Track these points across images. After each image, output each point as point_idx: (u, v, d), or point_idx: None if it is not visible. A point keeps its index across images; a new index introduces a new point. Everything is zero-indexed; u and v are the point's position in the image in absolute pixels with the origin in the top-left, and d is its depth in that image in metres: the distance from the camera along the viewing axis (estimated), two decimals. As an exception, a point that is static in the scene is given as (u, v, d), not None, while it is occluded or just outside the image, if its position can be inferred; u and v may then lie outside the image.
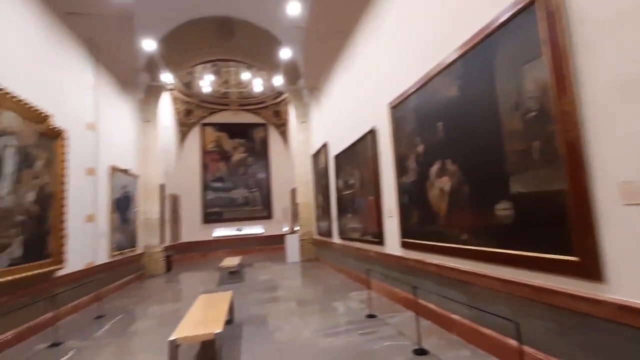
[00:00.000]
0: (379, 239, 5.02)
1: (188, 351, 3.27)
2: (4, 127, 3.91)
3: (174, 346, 2.48)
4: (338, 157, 7.18)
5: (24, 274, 4.06)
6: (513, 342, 2.52)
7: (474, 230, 2.98)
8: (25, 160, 4.25)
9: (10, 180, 3.96)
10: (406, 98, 4.10)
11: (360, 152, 5.77)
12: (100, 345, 3.70)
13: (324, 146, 8.28)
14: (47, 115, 4.72)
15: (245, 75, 13.54)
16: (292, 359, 3.04)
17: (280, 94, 14.38)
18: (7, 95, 3.94)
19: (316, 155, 9.33)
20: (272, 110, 15.10)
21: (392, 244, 4.65)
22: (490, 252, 2.77)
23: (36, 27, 4.71)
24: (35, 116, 4.47)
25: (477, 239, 2.94)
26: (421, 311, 3.61)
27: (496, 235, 2.71)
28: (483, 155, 2.83)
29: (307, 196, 10.31)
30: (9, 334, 3.81)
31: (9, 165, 3.96)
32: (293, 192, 12.62)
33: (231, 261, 7.91)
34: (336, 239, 7.55)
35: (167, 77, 8.28)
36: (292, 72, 10.07)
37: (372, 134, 5.20)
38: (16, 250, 4.00)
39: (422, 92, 3.75)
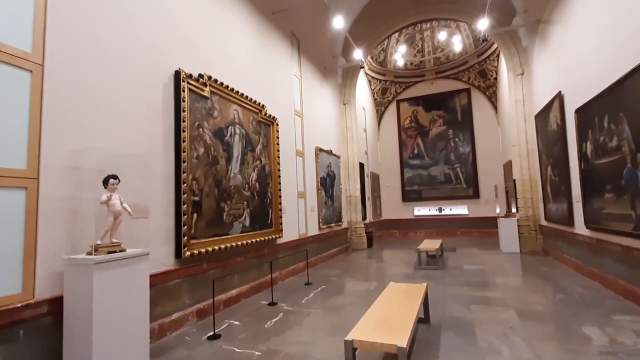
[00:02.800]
0: (683, 236, 2.92)
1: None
2: (231, 118, 4.73)
3: (351, 349, 2.07)
4: (583, 110, 4.90)
5: (252, 240, 4.89)
6: None
7: None
8: (248, 145, 5.06)
9: (238, 162, 4.79)
10: None
11: (636, 93, 3.56)
12: (302, 314, 3.92)
13: (557, 98, 5.94)
14: (263, 105, 5.46)
15: (442, 36, 11.93)
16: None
17: (486, 48, 11.88)
18: (232, 91, 4.72)
19: (542, 115, 6.94)
20: (476, 71, 12.77)
21: None
22: None
23: (249, 28, 5.47)
24: (253, 107, 5.23)
25: None
26: None
27: None
28: None
29: (528, 170, 7.99)
30: (244, 287, 4.69)
31: (237, 150, 4.78)
32: (508, 166, 10.23)
33: (431, 244, 7.15)
34: (581, 228, 5.31)
35: (359, 55, 8.21)
36: (502, 9, 7.85)
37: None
38: (245, 220, 4.84)
39: None
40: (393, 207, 14.09)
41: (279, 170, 5.81)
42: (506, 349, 2.82)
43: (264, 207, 5.35)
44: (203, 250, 3.88)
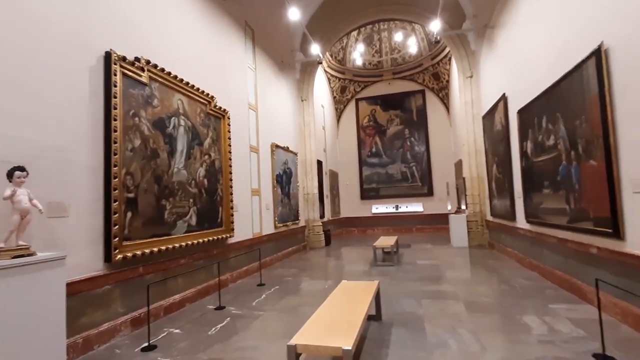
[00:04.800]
0: (610, 228, 3.12)
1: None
2: (175, 109, 4.35)
3: (294, 354, 1.90)
4: (524, 111, 5.18)
5: (199, 240, 4.56)
6: None
7: None
8: (195, 138, 4.70)
9: (183, 156, 4.42)
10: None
11: (570, 95, 3.78)
12: (251, 317, 3.69)
13: (502, 100, 6.26)
14: (212, 97, 5.12)
15: (398, 37, 12.21)
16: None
17: (439, 51, 12.35)
18: (176, 79, 4.34)
19: (489, 116, 7.30)
20: (430, 73, 13.25)
21: (644, 238, 2.74)
22: None
23: (197, 13, 5.10)
24: (201, 98, 4.88)
25: None
26: None
27: None
28: None
29: (476, 168, 8.39)
30: (189, 291, 4.34)
31: (182, 143, 4.41)
32: (458, 165, 10.71)
33: (386, 241, 7.23)
34: (522, 222, 5.63)
35: (317, 50, 8.08)
36: (454, 13, 8.15)
37: (596, 57, 3.20)
38: (191, 219, 4.49)
39: None
40: (352, 205, 14.21)
41: (231, 166, 5.50)
42: (454, 342, 2.82)
43: (213, 204, 5.02)
44: (139, 252, 3.50)
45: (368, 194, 14.23)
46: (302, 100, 9.75)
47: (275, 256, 7.19)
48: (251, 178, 6.42)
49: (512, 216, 6.06)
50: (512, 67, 5.83)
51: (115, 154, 3.27)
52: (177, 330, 3.42)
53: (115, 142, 3.28)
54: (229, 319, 3.67)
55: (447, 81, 12.83)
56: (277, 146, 7.69)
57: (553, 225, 4.42)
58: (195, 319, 3.74)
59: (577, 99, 3.63)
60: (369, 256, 7.42)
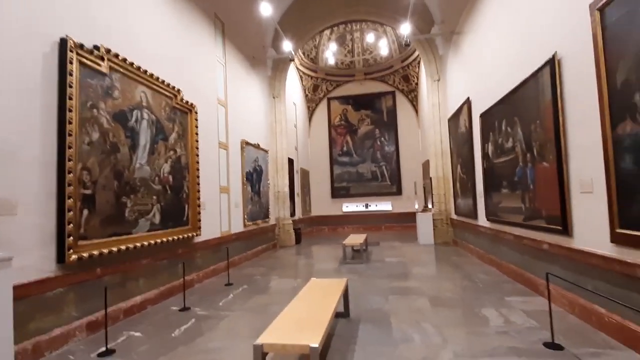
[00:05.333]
0: (560, 226, 3.36)
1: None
2: (138, 101, 4.15)
3: (261, 354, 1.88)
4: (486, 115, 5.45)
5: (163, 239, 4.38)
6: None
7: None
8: (159, 133, 4.51)
9: (146, 151, 4.22)
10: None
11: (527, 100, 4.03)
12: (217, 318, 3.60)
13: (466, 103, 6.54)
14: (178, 90, 4.93)
15: (370, 38, 12.39)
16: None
17: (409, 54, 12.69)
18: (139, 70, 4.13)
19: (454, 119, 7.60)
20: (401, 75, 13.58)
21: (591, 235, 2.97)
22: None
23: (165, 5, 4.88)
24: (166, 91, 4.68)
25: None
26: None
27: None
28: None
29: (442, 169, 8.72)
30: (152, 293, 4.16)
31: (145, 137, 4.21)
32: (426, 165, 11.08)
33: (356, 239, 7.33)
34: (483, 220, 5.93)
35: (289, 47, 8.01)
36: (423, 18, 8.40)
37: (550, 66, 3.43)
38: (155, 217, 4.31)
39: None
40: (322, 204, 14.28)
41: (198, 162, 5.33)
42: (418, 336, 2.92)
43: (179, 202, 4.85)
44: (96, 252, 3.30)
45: (339, 192, 14.36)
46: (274, 98, 9.65)
47: (244, 255, 7.07)
48: (220, 175, 6.26)
49: (474, 215, 6.36)
50: (476, 72, 6.11)
51: (70, 148, 3.06)
52: (137, 334, 3.27)
53: (70, 135, 3.07)
54: (193, 320, 3.56)
55: (416, 84, 13.22)
56: (248, 143, 7.56)
57: (510, 223, 4.69)
58: (158, 321, 3.59)
59: (533, 104, 3.87)
60: (339, 254, 7.49)
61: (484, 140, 5.59)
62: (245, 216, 7.24)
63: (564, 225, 3.30)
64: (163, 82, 4.58)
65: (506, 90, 4.60)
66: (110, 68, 3.72)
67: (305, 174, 13.34)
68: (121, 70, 3.87)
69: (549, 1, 3.54)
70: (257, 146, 8.14)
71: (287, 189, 9.66)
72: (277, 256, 7.84)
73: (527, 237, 4.20)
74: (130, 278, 3.85)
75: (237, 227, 6.87)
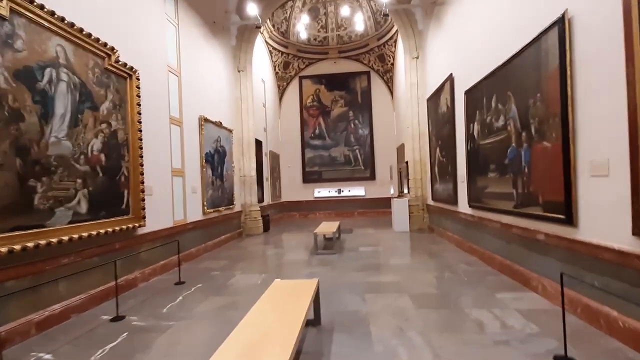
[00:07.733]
0: (562, 214, 2.93)
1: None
2: (52, 57, 3.21)
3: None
4: (473, 92, 4.96)
5: (93, 232, 3.55)
6: None
7: None
8: (85, 100, 3.60)
9: (65, 122, 3.32)
10: None
11: (523, 72, 3.53)
12: (157, 330, 2.90)
13: (448, 80, 6.04)
14: (113, 49, 3.99)
15: (345, 11, 11.58)
16: None
17: (385, 32, 12.04)
18: (54, 16, 3.18)
19: (434, 98, 7.12)
20: (376, 54, 12.94)
21: (603, 226, 2.54)
22: None
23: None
24: (95, 48, 3.74)
25: None
26: None
27: None
28: None
29: (418, 152, 8.29)
30: (77, 299, 3.36)
31: (63, 104, 3.30)
32: (401, 149, 10.66)
33: (328, 227, 6.78)
34: (464, 207, 5.54)
35: (255, 10, 7.08)
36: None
37: (559, 27, 2.91)
38: (80, 205, 3.45)
39: None
40: (293, 189, 13.61)
41: (141, 139, 4.45)
42: (403, 349, 2.39)
43: (115, 187, 3.99)
44: (-15, 253, 2.47)
45: (310, 177, 13.72)
46: (239, 71, 8.69)
47: (203, 246, 6.30)
48: (172, 156, 5.38)
49: (454, 200, 5.97)
50: (461, 46, 5.58)
51: None
52: (48, 356, 2.51)
53: None
54: (125, 334, 2.83)
55: (392, 64, 12.66)
56: (207, 120, 6.66)
57: (498, 210, 4.27)
58: (81, 336, 2.84)
59: (531, 76, 3.37)
60: (310, 243, 6.92)
61: (469, 119, 5.12)
62: (205, 202, 6.43)
63: (568, 214, 2.87)
64: (90, 35, 3.63)
65: (497, 63, 4.09)
66: (12, 10, 2.81)
67: (275, 157, 12.55)
68: (27, 14, 2.95)
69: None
70: (219, 124, 7.25)
71: (254, 173, 8.87)
72: (242, 246, 7.14)
73: (517, 226, 3.80)
74: (45, 282, 3.02)
75: (195, 215, 6.07)
